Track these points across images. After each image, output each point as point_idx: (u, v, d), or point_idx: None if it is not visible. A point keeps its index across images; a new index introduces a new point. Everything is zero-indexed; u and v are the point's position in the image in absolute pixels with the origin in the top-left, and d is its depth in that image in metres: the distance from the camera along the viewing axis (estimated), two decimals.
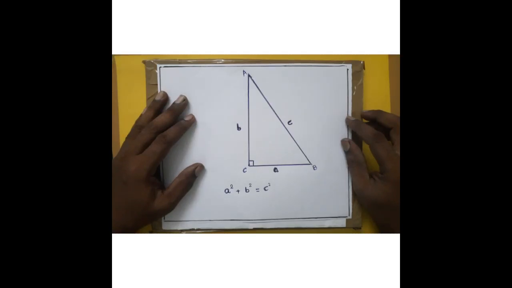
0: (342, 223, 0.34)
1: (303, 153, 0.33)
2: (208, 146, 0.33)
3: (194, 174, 0.31)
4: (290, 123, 0.33)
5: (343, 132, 0.33)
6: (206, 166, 0.33)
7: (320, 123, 0.33)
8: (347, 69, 0.33)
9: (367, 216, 0.34)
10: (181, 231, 0.33)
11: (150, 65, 0.32)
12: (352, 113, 0.33)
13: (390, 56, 0.35)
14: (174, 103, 0.31)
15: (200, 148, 0.32)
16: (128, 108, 0.33)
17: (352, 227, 0.34)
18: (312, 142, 0.33)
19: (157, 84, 0.32)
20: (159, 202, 0.29)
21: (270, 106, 0.33)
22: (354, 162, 0.32)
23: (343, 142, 0.33)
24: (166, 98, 0.32)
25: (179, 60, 0.32)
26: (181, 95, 0.32)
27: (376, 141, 0.29)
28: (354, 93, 0.33)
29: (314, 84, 0.33)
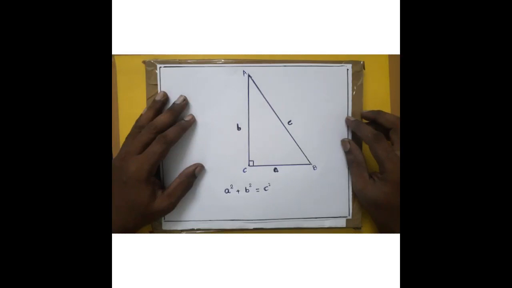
0: (342, 223, 0.34)
1: (303, 153, 0.33)
2: (208, 146, 0.33)
3: (194, 174, 0.31)
4: (290, 123, 0.33)
5: (343, 132, 0.33)
6: (206, 166, 0.33)
7: (320, 123, 0.33)
8: (347, 69, 0.33)
9: (367, 216, 0.34)
10: (181, 231, 0.33)
11: (150, 65, 0.32)
12: (352, 113, 0.33)
13: (390, 56, 0.35)
14: (174, 103, 0.31)
15: (200, 148, 0.32)
16: (128, 108, 0.33)
17: (352, 227, 0.34)
18: (312, 142, 0.33)
19: (157, 84, 0.32)
20: (159, 202, 0.29)
21: (270, 106, 0.33)
22: (354, 162, 0.32)
23: (343, 142, 0.33)
24: (166, 98, 0.32)
25: (179, 60, 0.32)
26: (181, 95, 0.32)
27: (376, 141, 0.29)
28: (354, 93, 0.33)
29: (314, 84, 0.33)
